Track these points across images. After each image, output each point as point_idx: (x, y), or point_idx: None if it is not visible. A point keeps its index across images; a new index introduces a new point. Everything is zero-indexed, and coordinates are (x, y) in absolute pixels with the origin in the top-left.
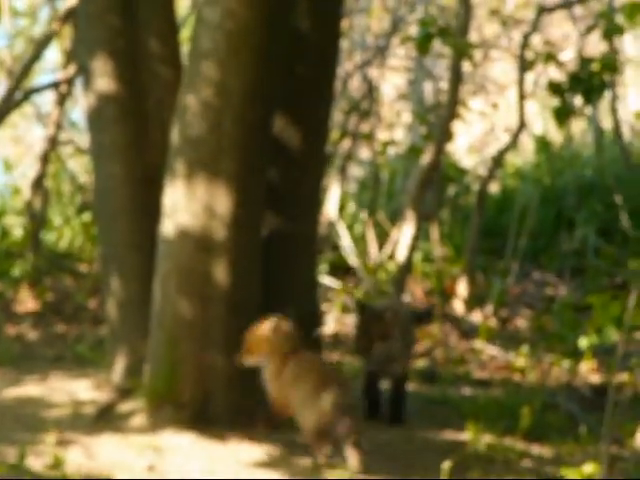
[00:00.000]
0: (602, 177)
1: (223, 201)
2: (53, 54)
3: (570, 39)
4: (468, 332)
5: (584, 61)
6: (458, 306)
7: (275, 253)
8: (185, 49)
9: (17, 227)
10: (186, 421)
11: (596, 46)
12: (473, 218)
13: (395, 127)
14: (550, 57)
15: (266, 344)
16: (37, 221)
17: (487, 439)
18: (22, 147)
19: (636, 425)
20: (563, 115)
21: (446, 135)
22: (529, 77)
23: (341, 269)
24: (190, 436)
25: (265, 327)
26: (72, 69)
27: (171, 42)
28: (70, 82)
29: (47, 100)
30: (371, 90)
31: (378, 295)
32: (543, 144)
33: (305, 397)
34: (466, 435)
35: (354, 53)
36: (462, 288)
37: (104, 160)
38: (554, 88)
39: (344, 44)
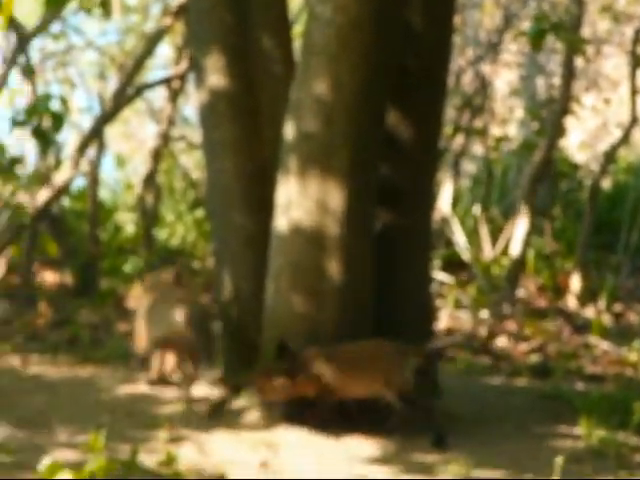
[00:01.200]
0: None
1: (336, 197)
2: (165, 50)
3: None
4: (581, 327)
5: None
6: (571, 301)
7: (388, 249)
8: (297, 45)
9: (129, 223)
10: (299, 417)
11: None
12: (585, 213)
13: (508, 123)
14: None
15: None
16: (149, 217)
17: (600, 434)
18: (134, 143)
19: None
20: None
21: (559, 131)
22: None
23: (454, 264)
24: (302, 432)
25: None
26: (184, 65)
27: (283, 38)
28: (182, 78)
29: (159, 96)
30: (484, 86)
31: (492, 290)
32: None
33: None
34: (579, 430)
35: (467, 49)
36: (575, 283)
37: (216, 156)
38: None
39: (457, 40)
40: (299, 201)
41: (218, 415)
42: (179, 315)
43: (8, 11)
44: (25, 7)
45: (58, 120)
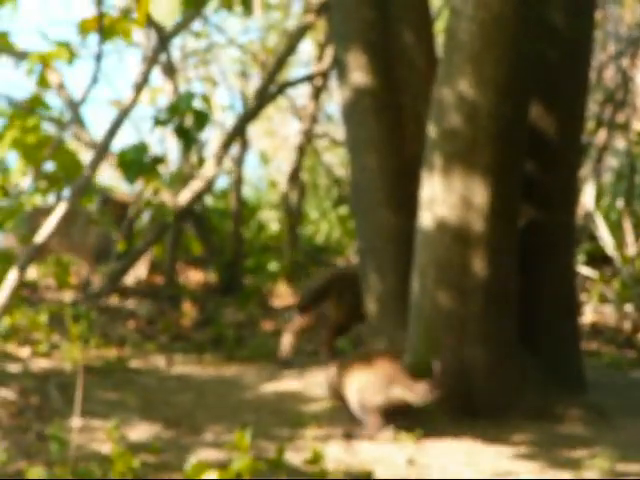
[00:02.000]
0: None
1: (480, 193)
2: (307, 47)
3: None
4: None
5: None
6: None
7: (532, 244)
8: (439, 41)
9: (274, 221)
10: (446, 414)
11: None
12: None
13: None
14: None
15: None
16: (294, 215)
17: None
18: (277, 140)
19: None
20: None
21: None
22: None
23: (598, 259)
24: (451, 430)
25: None
26: (326, 62)
27: (425, 34)
28: (325, 75)
29: (302, 93)
30: (625, 80)
31: (636, 284)
32: None
33: None
34: None
35: (608, 44)
36: None
37: (360, 153)
38: None
39: (598, 35)
40: (443, 198)
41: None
42: None
43: (145, 8)
44: (163, 7)
45: (201, 118)
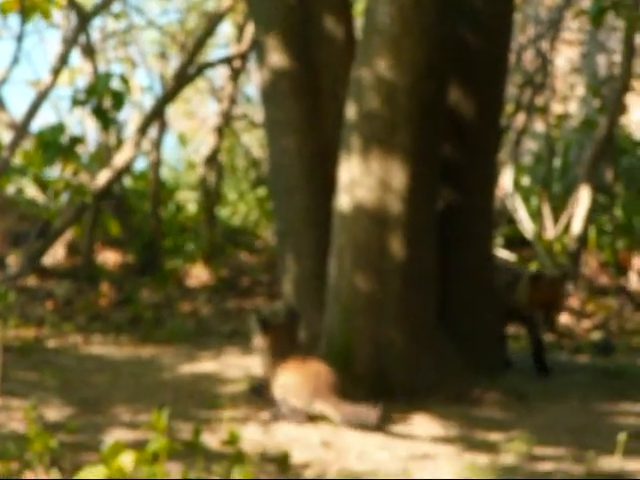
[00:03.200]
0: None
1: (398, 175)
2: (226, 29)
3: None
4: None
5: None
6: (633, 278)
7: (450, 226)
8: (358, 23)
9: (191, 202)
10: (362, 396)
11: None
12: None
13: (569, 100)
14: None
15: None
16: (211, 196)
17: None
18: (196, 122)
19: None
20: None
21: (620, 108)
22: None
23: (517, 242)
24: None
25: None
26: (245, 44)
27: (344, 17)
28: (244, 57)
29: (220, 75)
30: (545, 63)
31: (554, 268)
32: None
33: None
34: None
35: (528, 27)
36: (637, 260)
37: (278, 135)
38: None
39: (518, 18)
40: (361, 180)
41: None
42: None
43: None
44: None
45: (119, 99)
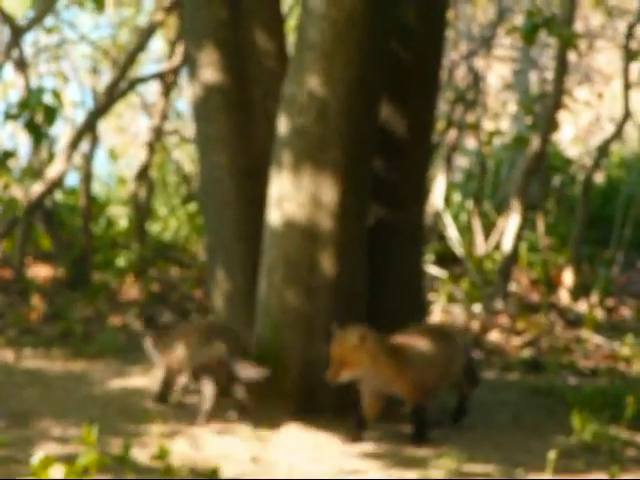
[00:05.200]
0: None
1: (329, 191)
2: (158, 44)
3: None
4: (573, 322)
5: None
6: (564, 296)
7: (381, 243)
8: (291, 39)
9: (122, 217)
10: (291, 411)
11: None
12: (578, 208)
13: (501, 117)
14: None
15: (360, 356)
16: (142, 211)
17: (592, 428)
18: (127, 137)
19: None
20: None
21: (551, 125)
22: (634, 67)
23: (447, 259)
24: (295, 427)
25: (352, 339)
26: (177, 59)
27: (276, 32)
28: (175, 72)
29: (152, 90)
30: (477, 80)
31: (484, 284)
32: None
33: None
34: (572, 424)
35: (460, 43)
36: (568, 278)
37: (210, 150)
38: None
39: (450, 34)
40: (292, 195)
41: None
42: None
43: None
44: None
45: (51, 114)
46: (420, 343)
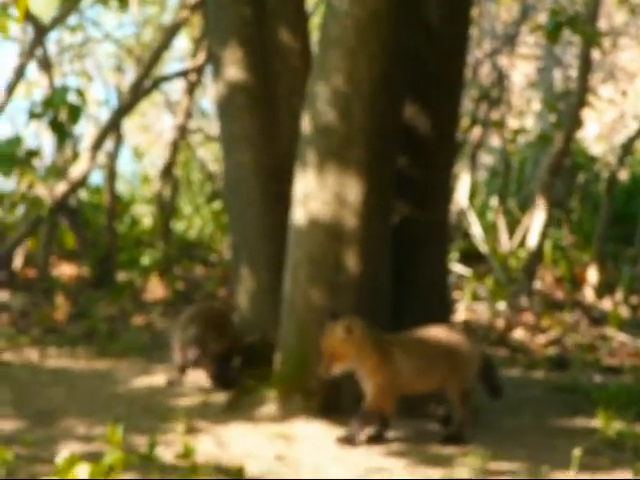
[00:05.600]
0: None
1: (354, 189)
2: (182, 42)
3: None
4: (598, 319)
5: None
6: (588, 293)
7: (406, 241)
8: (314, 37)
9: (147, 216)
10: (316, 410)
11: None
12: (603, 205)
13: (525, 115)
14: None
15: (348, 347)
16: (167, 210)
17: (617, 426)
18: (151, 135)
19: None
20: None
21: (576, 123)
22: None
23: (472, 257)
24: (320, 424)
25: (339, 331)
26: (201, 57)
27: (300, 30)
28: (199, 70)
29: (176, 88)
30: (501, 78)
31: (509, 282)
32: None
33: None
34: (596, 422)
35: (484, 41)
36: (592, 275)
37: (234, 148)
38: None
39: (474, 32)
40: (317, 194)
41: (236, 407)
42: None
43: (24, 4)
44: (41, 0)
45: (75, 112)
46: (413, 343)
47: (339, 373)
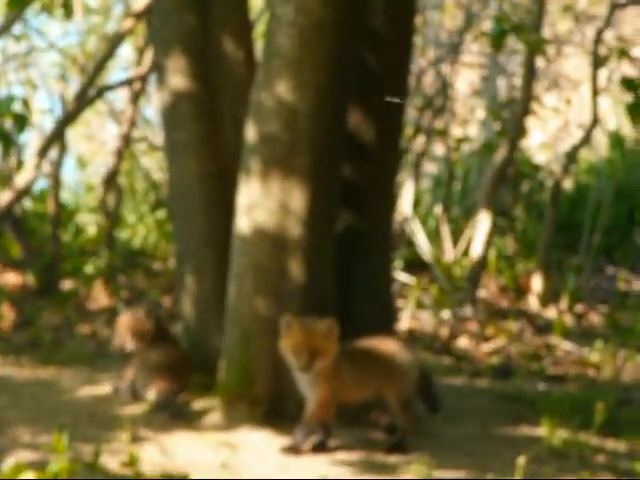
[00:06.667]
0: None
1: (298, 198)
2: (126, 51)
3: None
4: (542, 328)
5: None
6: (533, 302)
7: (350, 249)
8: (259, 46)
9: (91, 225)
10: (261, 418)
11: None
12: (547, 214)
13: (469, 123)
14: (623, 53)
15: (332, 345)
16: (111, 218)
17: (562, 434)
18: (95, 144)
19: None
20: (637, 111)
21: (520, 131)
22: (602, 73)
23: (416, 265)
24: (265, 433)
25: (323, 328)
26: (145, 66)
27: (245, 39)
28: (144, 79)
29: (120, 97)
30: (445, 86)
31: (453, 291)
32: (617, 140)
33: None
34: (541, 430)
35: (428, 49)
36: (536, 284)
37: (178, 157)
38: (627, 84)
39: (418, 40)
40: (261, 202)
41: (180, 416)
42: None
43: None
44: None
45: (21, 121)
46: (356, 352)
47: (319, 368)
